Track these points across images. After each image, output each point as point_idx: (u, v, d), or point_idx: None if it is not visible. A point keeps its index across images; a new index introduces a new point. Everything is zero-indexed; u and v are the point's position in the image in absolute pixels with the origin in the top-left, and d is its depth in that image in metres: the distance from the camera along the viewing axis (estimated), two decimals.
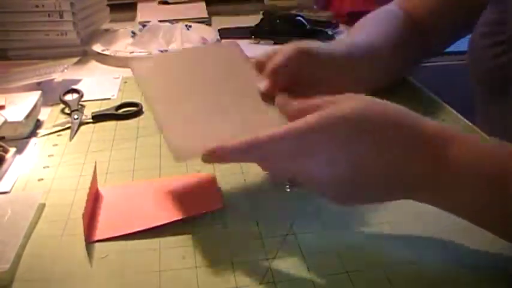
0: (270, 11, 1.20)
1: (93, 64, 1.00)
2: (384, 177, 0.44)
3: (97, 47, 1.02)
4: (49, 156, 0.66)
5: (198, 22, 1.19)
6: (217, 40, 1.09)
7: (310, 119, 0.44)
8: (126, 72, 0.94)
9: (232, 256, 0.48)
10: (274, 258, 0.47)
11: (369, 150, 0.43)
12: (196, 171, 0.60)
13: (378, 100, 0.46)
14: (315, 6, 1.32)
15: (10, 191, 0.59)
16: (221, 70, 0.61)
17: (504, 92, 0.68)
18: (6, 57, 1.01)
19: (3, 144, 0.66)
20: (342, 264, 0.46)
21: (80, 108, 0.77)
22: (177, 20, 1.17)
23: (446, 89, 0.80)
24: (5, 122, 0.68)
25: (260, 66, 0.59)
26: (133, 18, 1.25)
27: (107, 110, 0.77)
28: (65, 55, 0.98)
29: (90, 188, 0.54)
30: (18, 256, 0.49)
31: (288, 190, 0.49)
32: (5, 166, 0.63)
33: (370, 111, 0.44)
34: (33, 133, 0.72)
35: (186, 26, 1.14)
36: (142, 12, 1.28)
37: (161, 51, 1.02)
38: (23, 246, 0.50)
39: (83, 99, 0.80)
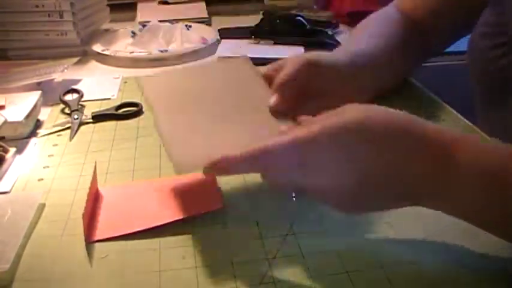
0: (270, 11, 1.20)
1: (93, 64, 1.00)
2: (386, 185, 0.44)
3: (97, 47, 1.02)
4: (49, 156, 0.66)
5: (198, 22, 1.19)
6: (217, 40, 1.09)
7: (313, 128, 0.44)
8: (126, 72, 0.94)
9: (232, 256, 0.48)
10: (274, 258, 0.47)
11: (370, 159, 0.43)
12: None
13: (378, 108, 0.46)
14: (315, 6, 1.32)
15: (10, 191, 0.59)
16: (231, 86, 0.61)
17: (504, 93, 0.67)
18: (6, 57, 1.01)
19: (3, 144, 0.66)
20: (342, 264, 0.46)
21: (80, 108, 0.77)
22: (177, 20, 1.17)
23: (446, 89, 0.80)
24: (5, 122, 0.68)
25: (268, 79, 0.59)
26: (133, 18, 1.25)
27: (107, 110, 0.77)
28: (65, 55, 0.98)
29: (90, 188, 0.54)
30: (18, 256, 0.49)
31: (293, 199, 0.49)
32: (5, 166, 0.63)
33: (370, 120, 0.44)
34: (33, 133, 0.72)
35: (186, 26, 1.14)
36: (142, 12, 1.28)
37: (161, 51, 1.02)
38: (23, 246, 0.50)
39: (83, 99, 0.80)
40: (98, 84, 0.88)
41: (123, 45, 1.08)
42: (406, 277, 0.45)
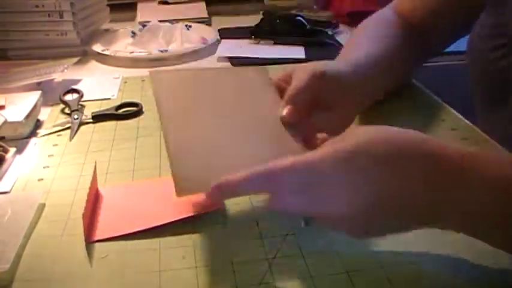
0: (270, 11, 1.20)
1: (93, 64, 1.01)
2: (400, 207, 0.42)
3: (97, 47, 1.02)
4: (49, 156, 0.66)
5: (198, 22, 1.19)
6: (217, 40, 1.09)
7: (320, 151, 0.43)
8: (126, 72, 0.94)
9: (232, 256, 0.48)
10: (274, 258, 0.47)
11: (383, 181, 0.42)
12: None
13: (387, 129, 0.44)
14: (315, 6, 1.32)
15: (10, 191, 0.59)
16: (243, 96, 0.59)
17: (504, 94, 0.67)
18: (6, 57, 1.01)
19: (3, 144, 0.66)
20: (342, 264, 0.46)
21: (80, 108, 0.77)
22: (177, 20, 1.17)
23: (446, 89, 0.80)
24: (5, 122, 0.68)
25: (280, 88, 0.59)
26: (133, 18, 1.25)
27: (107, 110, 0.77)
28: (65, 55, 0.98)
29: (90, 188, 0.54)
30: (18, 256, 0.49)
31: (302, 226, 0.48)
32: (5, 166, 0.63)
33: (381, 142, 0.42)
34: (33, 133, 0.72)
35: (186, 26, 1.14)
36: (142, 12, 1.28)
37: (161, 51, 1.02)
38: (23, 246, 0.50)
39: (83, 99, 0.80)
40: (98, 84, 0.88)
41: (123, 45, 1.08)
42: (406, 277, 0.45)
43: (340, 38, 1.10)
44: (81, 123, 0.74)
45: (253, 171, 0.44)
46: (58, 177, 0.62)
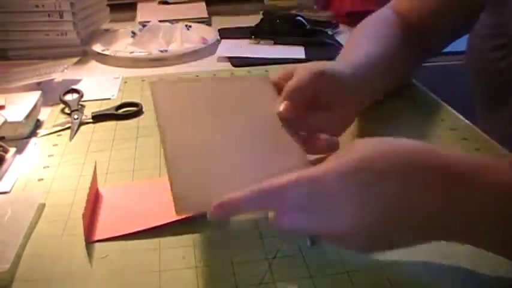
0: (270, 11, 1.20)
1: (93, 64, 1.01)
2: (412, 219, 0.42)
3: (97, 47, 1.03)
4: (49, 156, 0.66)
5: (198, 22, 1.19)
6: (217, 40, 1.09)
7: (324, 166, 0.42)
8: (126, 72, 0.94)
9: (232, 256, 0.48)
10: (274, 258, 0.47)
11: (395, 195, 0.41)
12: None
13: (385, 144, 0.43)
14: (315, 6, 1.32)
15: (10, 191, 0.59)
16: (244, 105, 0.58)
17: (504, 94, 0.67)
18: (6, 57, 1.01)
19: (3, 144, 0.66)
20: (342, 264, 0.46)
21: (80, 108, 0.77)
22: (177, 20, 1.17)
23: (446, 89, 0.80)
24: (5, 122, 0.68)
25: (278, 86, 0.59)
26: (133, 18, 1.25)
27: (107, 110, 0.77)
28: (65, 55, 0.98)
29: (90, 188, 0.54)
30: (18, 256, 0.49)
31: (308, 245, 0.46)
32: (5, 166, 0.63)
33: (376, 160, 0.42)
34: (33, 133, 0.72)
35: (186, 26, 1.14)
36: (142, 12, 1.28)
37: (161, 51, 1.02)
38: (23, 246, 0.50)
39: (83, 99, 0.80)
40: (98, 84, 0.88)
41: (123, 45, 1.08)
42: (406, 277, 0.45)
43: (340, 38, 1.10)
44: (81, 123, 0.74)
45: (256, 187, 0.42)
46: (58, 177, 0.62)
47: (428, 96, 0.79)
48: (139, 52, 1.03)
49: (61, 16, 1.00)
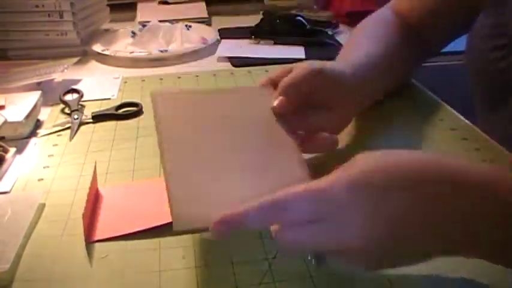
0: (270, 11, 1.20)
1: (93, 64, 1.01)
2: (424, 234, 0.40)
3: (97, 47, 1.03)
4: (49, 156, 0.66)
5: (198, 22, 1.19)
6: (217, 40, 1.09)
7: (330, 177, 0.41)
8: (126, 72, 0.94)
9: (232, 256, 0.48)
10: (274, 258, 0.47)
11: (405, 208, 0.40)
12: None
13: (392, 156, 0.43)
14: (315, 6, 1.32)
15: (10, 191, 0.59)
16: (246, 118, 0.56)
17: (504, 94, 0.67)
18: (6, 57, 1.01)
19: (3, 144, 0.66)
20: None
21: (80, 108, 0.77)
22: (177, 20, 1.17)
23: (446, 89, 0.80)
24: (5, 122, 0.68)
25: (273, 83, 0.58)
26: (133, 18, 1.25)
27: (107, 110, 0.77)
28: (65, 55, 0.98)
29: (90, 188, 0.54)
30: (18, 256, 0.49)
31: (313, 264, 0.45)
32: (5, 166, 0.63)
33: (384, 172, 0.41)
34: (33, 133, 0.72)
35: (186, 26, 1.14)
36: (142, 12, 1.28)
37: (161, 51, 1.02)
38: (23, 246, 0.50)
39: (83, 99, 0.80)
40: (98, 84, 0.88)
41: (123, 45, 1.08)
42: (406, 277, 0.45)
43: (340, 38, 1.10)
44: (81, 123, 0.74)
45: (260, 201, 0.40)
46: (58, 177, 0.62)
47: (428, 96, 0.79)
48: (139, 52, 1.03)
49: (61, 16, 1.00)
